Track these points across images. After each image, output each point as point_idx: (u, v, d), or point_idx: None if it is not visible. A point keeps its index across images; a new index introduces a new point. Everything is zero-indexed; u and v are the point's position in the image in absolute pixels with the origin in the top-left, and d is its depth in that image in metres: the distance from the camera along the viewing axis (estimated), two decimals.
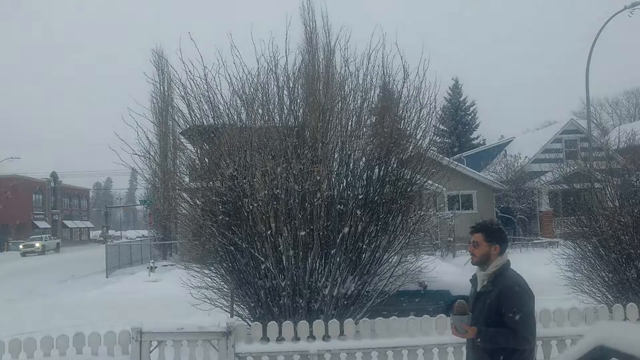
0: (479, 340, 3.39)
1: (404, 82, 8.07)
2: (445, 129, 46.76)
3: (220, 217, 7.39)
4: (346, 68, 8.10)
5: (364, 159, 7.79)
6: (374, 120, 8.38)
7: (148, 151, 8.77)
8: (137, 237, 51.16)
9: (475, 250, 3.52)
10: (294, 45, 11.12)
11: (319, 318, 6.15)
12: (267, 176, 7.13)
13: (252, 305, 7.59)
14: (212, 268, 8.15)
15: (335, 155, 7.74)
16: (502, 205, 29.12)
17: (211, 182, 7.64)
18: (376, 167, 7.75)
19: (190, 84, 7.83)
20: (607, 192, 8.82)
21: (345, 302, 7.37)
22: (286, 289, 7.04)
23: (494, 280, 3.44)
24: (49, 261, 35.32)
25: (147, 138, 8.75)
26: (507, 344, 3.30)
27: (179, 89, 8.02)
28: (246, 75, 7.85)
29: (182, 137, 9.27)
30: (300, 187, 7.06)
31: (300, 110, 8.07)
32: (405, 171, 7.93)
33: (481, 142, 46.64)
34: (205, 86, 7.81)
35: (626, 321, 5.75)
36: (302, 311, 7.02)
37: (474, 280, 3.65)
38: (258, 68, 7.85)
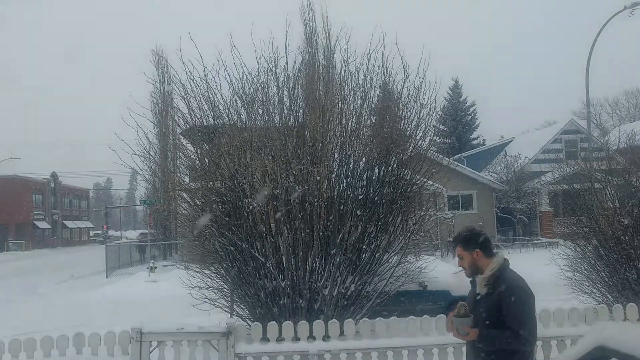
0: (479, 343, 3.38)
1: (404, 83, 8.09)
2: (445, 129, 46.77)
3: (219, 217, 7.39)
4: (346, 68, 8.10)
5: (363, 159, 7.78)
6: (374, 121, 8.39)
7: (148, 151, 8.72)
8: (137, 237, 51.08)
9: (462, 262, 3.57)
10: (294, 46, 11.13)
11: (319, 318, 6.15)
12: (267, 176, 7.13)
13: (252, 305, 7.59)
14: (212, 268, 8.15)
15: (335, 156, 7.74)
16: (502, 206, 29.13)
17: (211, 182, 7.64)
18: (376, 167, 7.75)
19: (190, 84, 7.83)
20: (607, 193, 8.81)
21: (345, 303, 7.37)
22: (286, 289, 7.04)
23: (494, 281, 3.43)
24: (49, 261, 35.31)
25: (147, 138, 8.72)
26: (507, 345, 3.29)
27: (179, 89, 8.01)
28: (246, 76, 7.86)
29: (182, 137, 9.26)
30: (300, 187, 7.06)
31: (300, 111, 8.07)
32: (405, 171, 7.93)
33: (481, 143, 46.67)
34: (205, 86, 7.80)
35: (626, 321, 5.75)
36: (302, 311, 7.02)
37: (474, 281, 3.65)
38: (258, 68, 7.86)
